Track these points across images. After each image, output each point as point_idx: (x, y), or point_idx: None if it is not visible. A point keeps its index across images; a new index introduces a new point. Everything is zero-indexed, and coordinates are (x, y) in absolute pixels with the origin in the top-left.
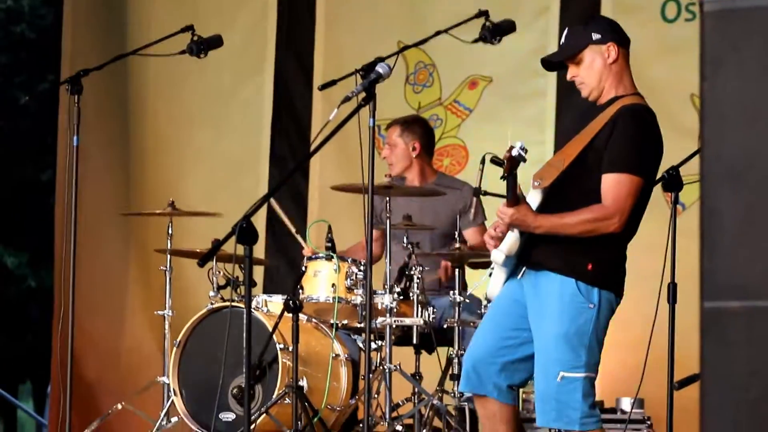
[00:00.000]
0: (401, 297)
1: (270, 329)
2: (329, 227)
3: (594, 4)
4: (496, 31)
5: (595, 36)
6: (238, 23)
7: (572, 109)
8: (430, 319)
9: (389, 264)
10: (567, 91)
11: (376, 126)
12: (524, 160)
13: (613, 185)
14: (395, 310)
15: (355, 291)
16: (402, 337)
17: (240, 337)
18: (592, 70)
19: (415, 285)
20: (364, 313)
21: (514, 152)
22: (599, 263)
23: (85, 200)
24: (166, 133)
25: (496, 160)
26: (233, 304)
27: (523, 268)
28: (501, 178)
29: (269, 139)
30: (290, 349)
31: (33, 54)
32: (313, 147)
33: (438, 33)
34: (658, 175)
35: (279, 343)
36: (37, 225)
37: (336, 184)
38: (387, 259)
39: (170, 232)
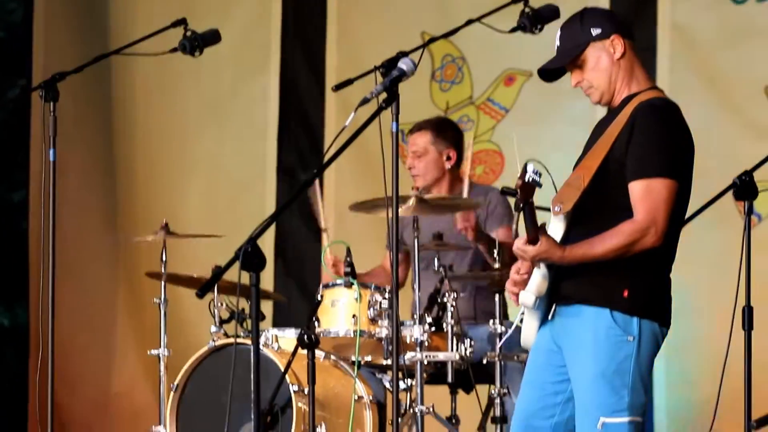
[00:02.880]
0: (433, 328)
1: (282, 369)
2: (348, 250)
3: None
4: (537, 19)
5: (595, 31)
6: (237, 15)
7: None
8: (467, 353)
9: (418, 290)
10: None
11: (400, 131)
12: (539, 185)
13: (643, 194)
14: (426, 343)
15: (380, 322)
16: (435, 374)
17: (247, 379)
18: (598, 71)
19: (449, 314)
20: (390, 347)
21: (527, 177)
22: (637, 288)
23: (65, 224)
24: (157, 144)
25: (507, 190)
26: (238, 340)
27: (554, 307)
28: (515, 209)
29: (276, 149)
30: (306, 391)
31: (1, 56)
32: (327, 157)
33: (470, 22)
34: (729, 181)
35: (292, 385)
36: (9, 254)
37: (355, 202)
38: (416, 285)
39: (164, 258)
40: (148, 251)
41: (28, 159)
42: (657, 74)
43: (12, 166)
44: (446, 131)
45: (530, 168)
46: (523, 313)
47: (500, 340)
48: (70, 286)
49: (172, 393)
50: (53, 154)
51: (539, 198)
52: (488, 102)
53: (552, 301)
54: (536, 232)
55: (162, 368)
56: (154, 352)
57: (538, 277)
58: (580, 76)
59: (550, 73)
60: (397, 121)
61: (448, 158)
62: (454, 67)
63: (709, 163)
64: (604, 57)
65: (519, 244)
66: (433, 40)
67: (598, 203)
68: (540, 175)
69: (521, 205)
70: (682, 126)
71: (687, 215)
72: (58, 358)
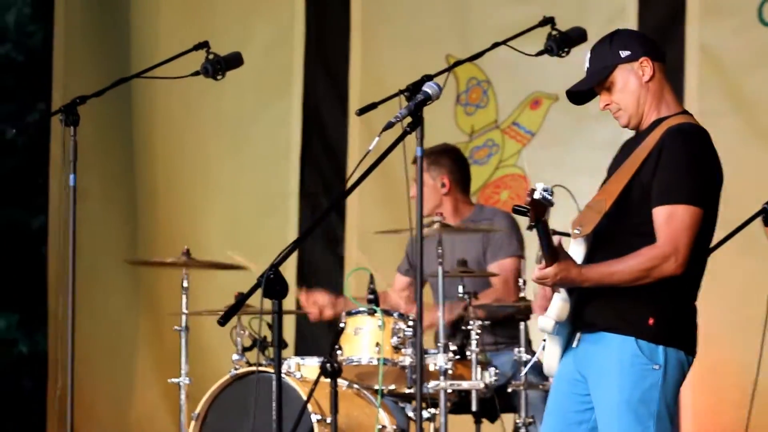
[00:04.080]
0: (457, 356)
1: (304, 397)
2: (371, 276)
3: (677, 6)
4: (564, 42)
5: (624, 53)
6: (259, 37)
7: None
8: (492, 381)
9: (442, 318)
10: None
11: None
12: (551, 204)
13: (666, 220)
14: (450, 371)
15: (403, 351)
16: (459, 403)
17: (269, 408)
18: (626, 93)
19: (473, 342)
20: (414, 376)
21: (537, 195)
22: (663, 316)
23: (84, 249)
24: (178, 169)
25: (518, 209)
26: (261, 368)
27: (578, 335)
28: (528, 228)
29: (298, 174)
30: (328, 420)
31: (21, 79)
32: (350, 182)
33: (496, 45)
34: (757, 206)
35: (315, 414)
36: (28, 280)
37: (380, 229)
38: (440, 313)
39: (185, 284)
40: (169, 277)
41: (47, 184)
42: (685, 96)
43: (31, 191)
44: (440, 159)
45: (540, 186)
46: (545, 340)
47: (524, 368)
48: (90, 313)
49: (193, 422)
50: (73, 179)
51: (563, 224)
52: (514, 126)
53: (575, 328)
54: (553, 254)
55: (183, 396)
56: (174, 380)
57: (559, 302)
58: (608, 98)
59: (578, 95)
60: (422, 145)
61: (443, 185)
62: (480, 90)
63: (737, 187)
64: (632, 79)
65: (536, 272)
66: (458, 63)
67: (620, 228)
68: (552, 194)
69: (533, 224)
70: (711, 152)
71: (715, 241)
72: (77, 385)
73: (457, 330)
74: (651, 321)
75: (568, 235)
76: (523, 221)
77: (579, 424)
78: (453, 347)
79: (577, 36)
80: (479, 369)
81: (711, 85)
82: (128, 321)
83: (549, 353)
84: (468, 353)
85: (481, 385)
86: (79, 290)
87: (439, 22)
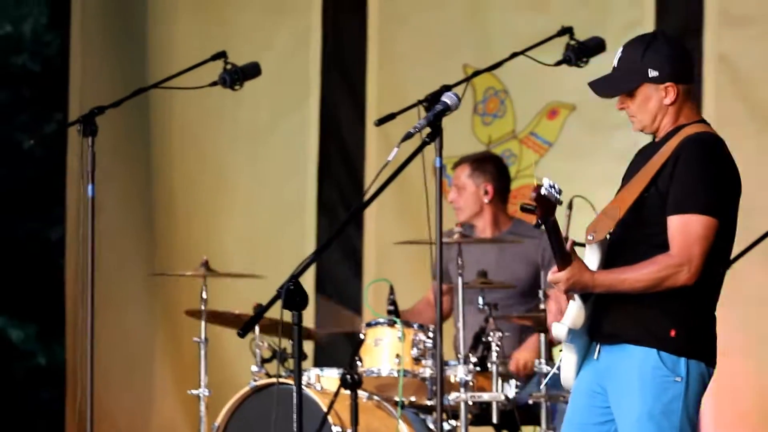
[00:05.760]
0: (478, 368)
1: (324, 409)
2: (391, 287)
3: (695, 15)
4: (582, 51)
5: (652, 73)
6: (275, 46)
7: None
8: (513, 393)
9: (462, 329)
10: None
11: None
12: (560, 202)
13: (680, 229)
14: (471, 383)
15: (424, 362)
16: (480, 415)
17: (289, 420)
18: (645, 110)
19: (494, 353)
20: (434, 388)
21: (543, 191)
22: (684, 328)
23: (102, 260)
24: (196, 179)
25: (526, 207)
26: (281, 380)
27: (597, 346)
28: (535, 226)
29: (316, 185)
30: None
31: (37, 89)
32: (369, 194)
33: (515, 55)
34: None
35: (335, 426)
36: (46, 291)
37: (398, 240)
38: (460, 324)
39: (204, 296)
40: (188, 288)
41: (64, 195)
42: (703, 105)
43: (49, 202)
44: (485, 165)
45: (546, 181)
46: (562, 350)
47: (545, 380)
48: (108, 324)
49: None
50: (91, 189)
51: (579, 234)
52: (531, 136)
53: (594, 339)
54: (564, 257)
55: (202, 408)
56: (194, 392)
57: (574, 309)
58: (628, 103)
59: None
60: (440, 155)
61: (486, 192)
62: (497, 100)
63: (757, 197)
64: (654, 99)
65: (550, 277)
66: (477, 73)
67: (635, 236)
68: (560, 192)
69: (540, 222)
70: (728, 161)
71: (736, 251)
72: (96, 397)
73: (478, 341)
74: (673, 333)
75: (583, 245)
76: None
77: None
78: (473, 359)
79: (595, 46)
80: (500, 381)
81: (728, 94)
82: (146, 332)
83: (565, 364)
84: (489, 365)
85: (502, 397)
86: (97, 301)
87: (457, 32)
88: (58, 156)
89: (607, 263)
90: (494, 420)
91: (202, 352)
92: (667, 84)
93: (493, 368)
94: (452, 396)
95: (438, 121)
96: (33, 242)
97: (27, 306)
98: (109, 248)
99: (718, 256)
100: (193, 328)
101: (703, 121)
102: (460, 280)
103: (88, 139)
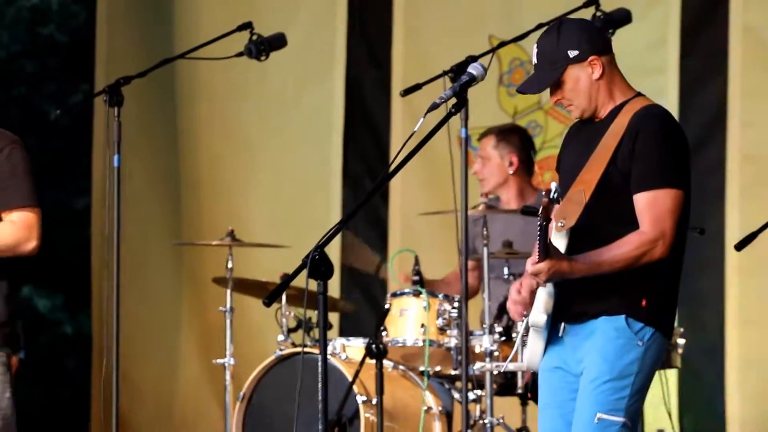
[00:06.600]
0: (503, 338)
1: (350, 379)
2: (416, 258)
3: None
4: (608, 23)
5: (572, 53)
6: (301, 17)
7: (697, 110)
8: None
9: (488, 299)
10: (691, 89)
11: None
12: (558, 202)
13: (649, 205)
14: (496, 353)
15: (449, 332)
16: (505, 385)
17: (315, 389)
18: (578, 92)
19: (519, 323)
20: (459, 357)
21: (552, 196)
22: (655, 299)
23: (128, 231)
24: (221, 150)
25: (528, 210)
26: (306, 349)
27: (562, 325)
28: (539, 225)
29: (341, 156)
30: (374, 401)
31: (64, 60)
32: (394, 165)
33: (541, 26)
34: None
35: (360, 395)
36: (72, 261)
37: (423, 210)
38: (485, 294)
39: (230, 265)
40: (213, 258)
41: (90, 165)
42: (729, 77)
43: (75, 172)
44: (510, 137)
45: (554, 186)
46: (524, 335)
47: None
48: (134, 294)
49: (238, 402)
50: (117, 159)
51: None
52: (557, 106)
53: (558, 320)
54: (546, 249)
55: (228, 377)
56: (219, 361)
57: (544, 296)
58: (560, 94)
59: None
60: (466, 126)
61: (510, 163)
62: (523, 71)
63: None
64: (583, 78)
65: (531, 267)
66: (503, 44)
67: (603, 218)
68: (558, 191)
69: (543, 223)
70: (681, 132)
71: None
72: (122, 366)
73: (503, 311)
74: (644, 302)
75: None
76: None
77: (574, 411)
78: (499, 329)
79: (622, 17)
80: (525, 351)
81: (755, 65)
82: (172, 302)
83: (532, 346)
84: (514, 335)
85: (526, 367)
86: (123, 271)
87: (482, 3)
88: (84, 126)
89: (576, 246)
90: (519, 390)
91: (228, 322)
92: (591, 58)
93: (518, 338)
94: (477, 366)
95: (464, 92)
96: (59, 212)
97: (53, 276)
98: (135, 218)
99: (682, 228)
100: (219, 298)
101: (641, 94)
102: (485, 250)
103: (114, 109)
